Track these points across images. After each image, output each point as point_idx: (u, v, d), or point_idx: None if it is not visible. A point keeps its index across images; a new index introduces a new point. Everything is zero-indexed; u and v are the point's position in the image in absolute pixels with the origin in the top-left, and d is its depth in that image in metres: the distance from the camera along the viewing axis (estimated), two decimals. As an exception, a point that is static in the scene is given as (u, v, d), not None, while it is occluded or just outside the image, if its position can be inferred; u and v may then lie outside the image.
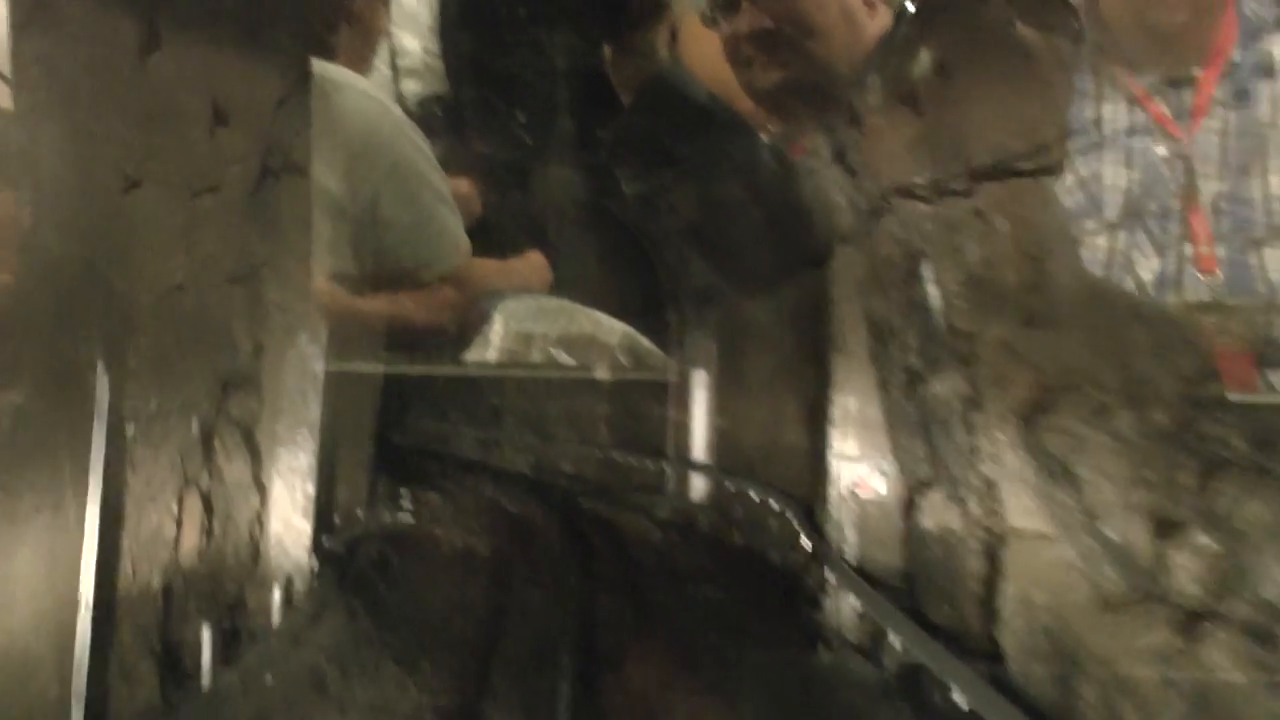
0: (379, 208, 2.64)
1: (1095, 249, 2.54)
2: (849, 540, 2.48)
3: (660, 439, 3.56)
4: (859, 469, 2.49)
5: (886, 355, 2.21)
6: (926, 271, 2.07)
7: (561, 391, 3.49)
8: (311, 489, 2.57)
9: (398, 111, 2.77)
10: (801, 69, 2.49)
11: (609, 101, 3.09)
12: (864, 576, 2.38)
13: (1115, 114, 2.60)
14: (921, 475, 2.19)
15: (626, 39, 3.20)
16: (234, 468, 2.04)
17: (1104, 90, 2.67)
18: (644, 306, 3.29)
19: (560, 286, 2.70)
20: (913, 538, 2.22)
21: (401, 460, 3.59)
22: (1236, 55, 2.52)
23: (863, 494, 2.45)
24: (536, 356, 2.42)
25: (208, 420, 1.89)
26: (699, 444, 3.47)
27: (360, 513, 3.18)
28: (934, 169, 1.98)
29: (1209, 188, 2.54)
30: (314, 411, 2.50)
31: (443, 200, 2.80)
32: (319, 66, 2.26)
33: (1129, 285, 2.52)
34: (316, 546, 2.65)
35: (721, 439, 3.33)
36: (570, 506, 3.63)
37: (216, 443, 1.94)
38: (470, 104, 3.40)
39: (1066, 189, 2.37)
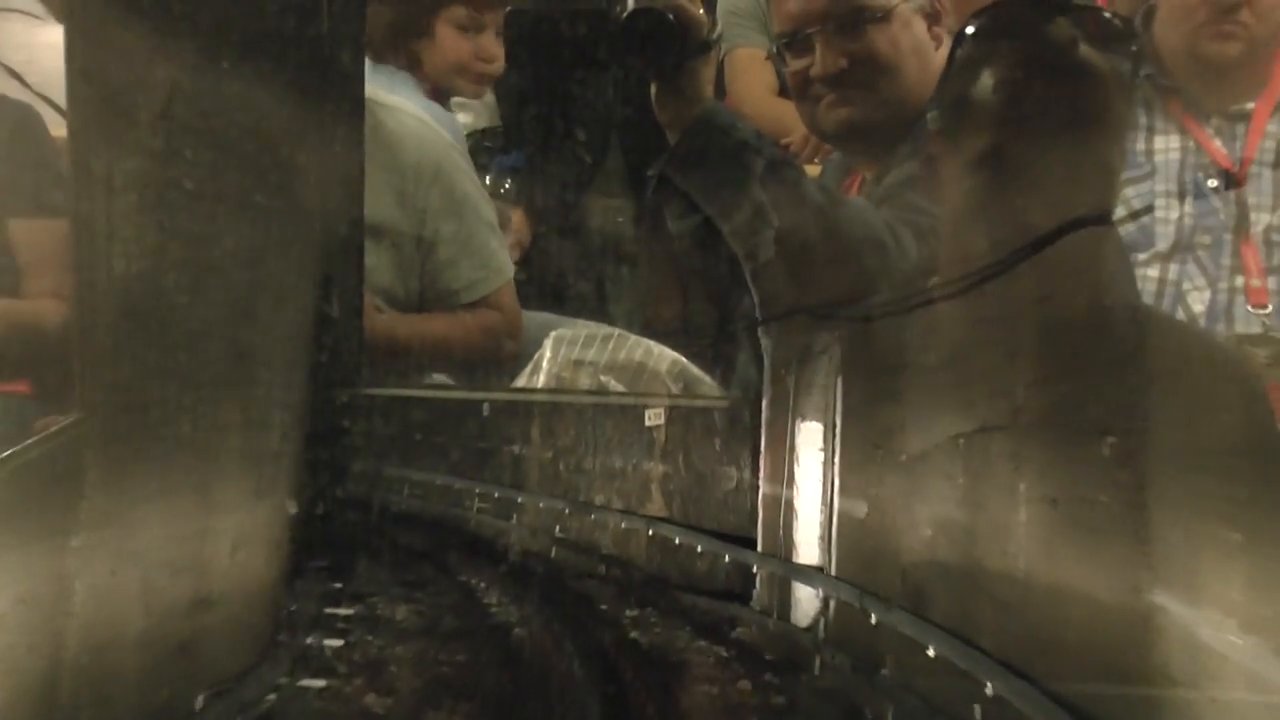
0: (425, 227, 2.66)
1: (1146, 280, 2.54)
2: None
3: (741, 517, 2.40)
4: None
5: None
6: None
7: (603, 440, 2.56)
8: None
9: (444, 133, 2.79)
10: (872, 107, 2.48)
11: (656, 139, 3.10)
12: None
13: (1167, 145, 2.61)
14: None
15: (672, 77, 3.21)
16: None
17: (1155, 122, 2.68)
18: (699, 334, 3.07)
19: (611, 317, 2.72)
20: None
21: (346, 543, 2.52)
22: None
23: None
24: (586, 383, 2.43)
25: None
26: (809, 532, 2.19)
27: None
28: (994, 208, 1.96)
29: (1261, 219, 2.54)
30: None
31: (487, 222, 2.83)
32: (369, 89, 2.28)
33: (1180, 316, 2.51)
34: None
35: (854, 532, 2.09)
36: (600, 624, 2.34)
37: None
38: (521, 138, 3.43)
39: (1119, 220, 2.37)
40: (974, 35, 2.20)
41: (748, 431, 2.38)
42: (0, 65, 2.87)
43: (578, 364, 2.46)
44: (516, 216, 3.29)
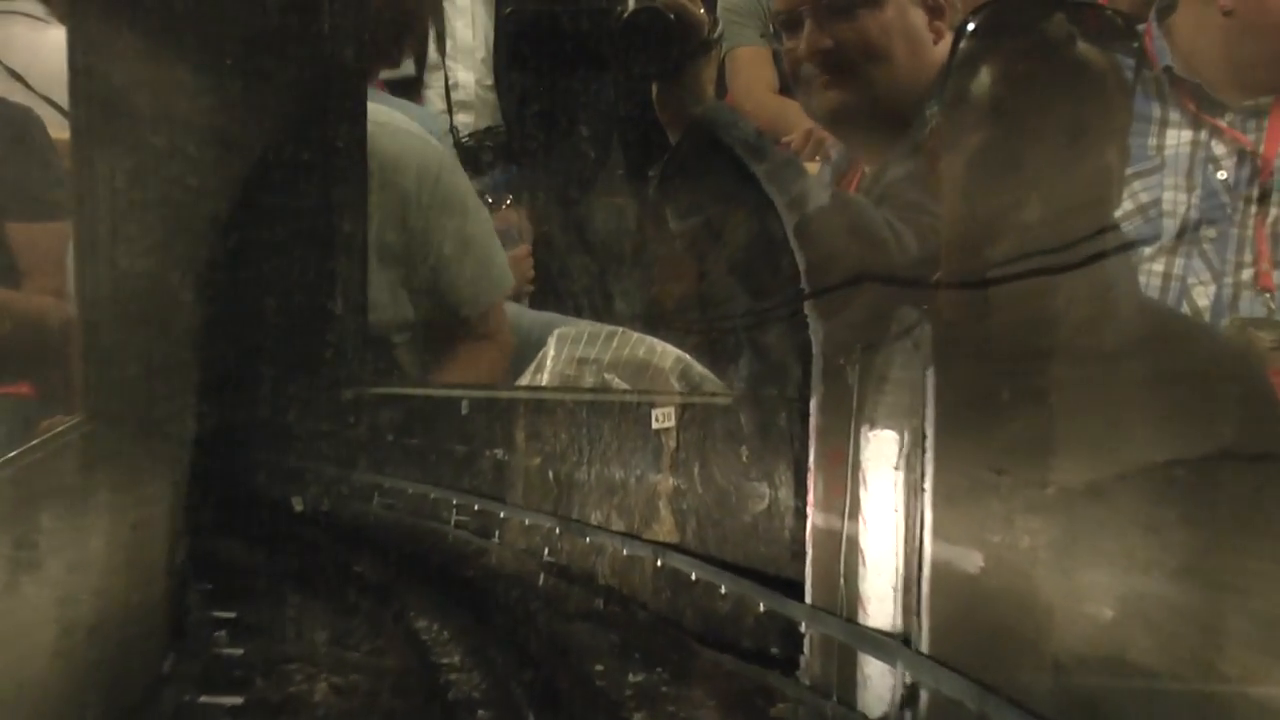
0: (427, 245, 2.65)
1: (1151, 274, 2.54)
2: None
3: (776, 548, 1.86)
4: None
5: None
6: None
7: (600, 445, 2.11)
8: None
9: (435, 143, 2.78)
10: (859, 91, 2.49)
11: (657, 138, 3.10)
12: None
13: (1178, 139, 2.61)
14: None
15: (673, 76, 3.21)
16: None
17: (1168, 115, 2.68)
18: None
19: (614, 315, 2.70)
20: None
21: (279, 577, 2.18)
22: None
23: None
24: (590, 381, 2.41)
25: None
26: (883, 584, 1.64)
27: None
28: (991, 203, 1.96)
29: (1271, 212, 2.54)
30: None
31: (485, 232, 2.82)
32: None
33: (1185, 310, 2.51)
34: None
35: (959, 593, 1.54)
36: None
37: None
38: (522, 137, 3.42)
39: (1125, 214, 2.37)
40: (974, 31, 2.21)
41: (785, 439, 1.83)
42: (2, 67, 2.88)
43: (581, 362, 2.44)
44: (515, 216, 3.28)
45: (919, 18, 2.52)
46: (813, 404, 1.74)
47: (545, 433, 2.13)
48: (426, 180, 2.61)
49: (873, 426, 1.65)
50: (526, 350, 2.67)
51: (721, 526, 1.90)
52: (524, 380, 2.50)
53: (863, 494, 1.64)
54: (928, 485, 1.51)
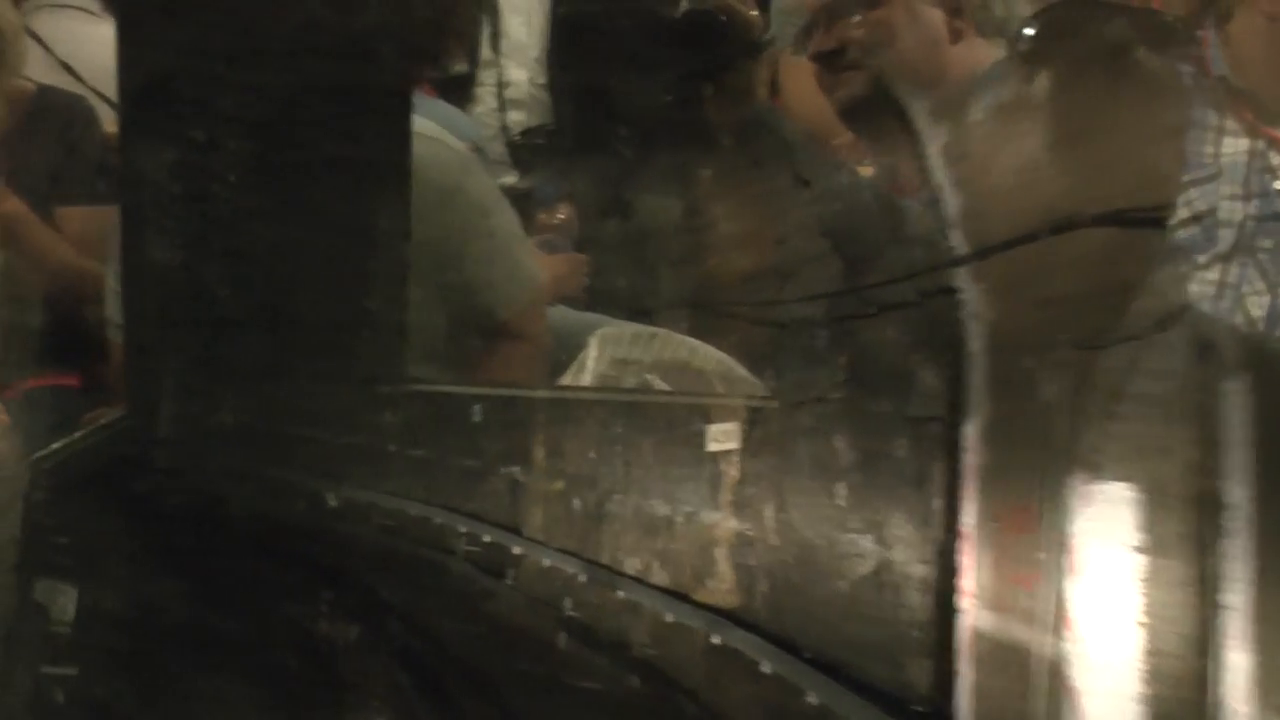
0: (452, 252, 2.63)
1: (1205, 283, 2.51)
2: None
3: (885, 634, 1.32)
4: None
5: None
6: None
7: (643, 471, 1.60)
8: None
9: (458, 146, 2.77)
10: (863, 87, 2.52)
11: (708, 138, 3.09)
12: None
13: (1235, 147, 2.58)
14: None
15: (724, 77, 3.20)
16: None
17: (1225, 123, 2.64)
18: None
19: (657, 316, 2.69)
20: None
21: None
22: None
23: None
24: (631, 383, 2.38)
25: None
26: None
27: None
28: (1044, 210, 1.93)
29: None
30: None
31: (513, 233, 2.80)
32: None
33: (1238, 320, 2.48)
34: None
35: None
36: None
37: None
38: (574, 136, 3.42)
39: (1180, 221, 2.35)
40: (1031, 34, 2.19)
41: (909, 476, 1.31)
42: (54, 58, 2.91)
43: (622, 362, 2.42)
44: (565, 212, 3.27)
45: (934, 15, 2.54)
46: (970, 429, 1.21)
47: (571, 448, 1.64)
48: (447, 183, 2.59)
49: (1098, 474, 1.09)
50: (569, 352, 2.66)
51: (804, 595, 1.39)
52: (565, 381, 2.49)
53: (1075, 590, 1.10)
54: (1230, 590, 0.98)
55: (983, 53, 2.56)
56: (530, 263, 2.83)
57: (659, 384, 2.33)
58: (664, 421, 1.56)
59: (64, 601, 1.90)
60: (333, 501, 1.77)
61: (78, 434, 1.98)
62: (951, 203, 2.33)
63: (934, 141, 2.15)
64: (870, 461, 1.33)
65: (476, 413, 1.73)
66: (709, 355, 2.44)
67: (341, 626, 1.85)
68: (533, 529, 1.66)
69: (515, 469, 1.68)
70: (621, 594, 1.55)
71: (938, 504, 1.24)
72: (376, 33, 1.77)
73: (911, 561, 1.27)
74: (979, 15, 2.52)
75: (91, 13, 3.06)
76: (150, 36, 1.77)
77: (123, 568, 1.88)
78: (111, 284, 2.42)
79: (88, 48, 2.89)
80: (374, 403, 1.71)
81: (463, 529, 1.71)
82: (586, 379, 2.43)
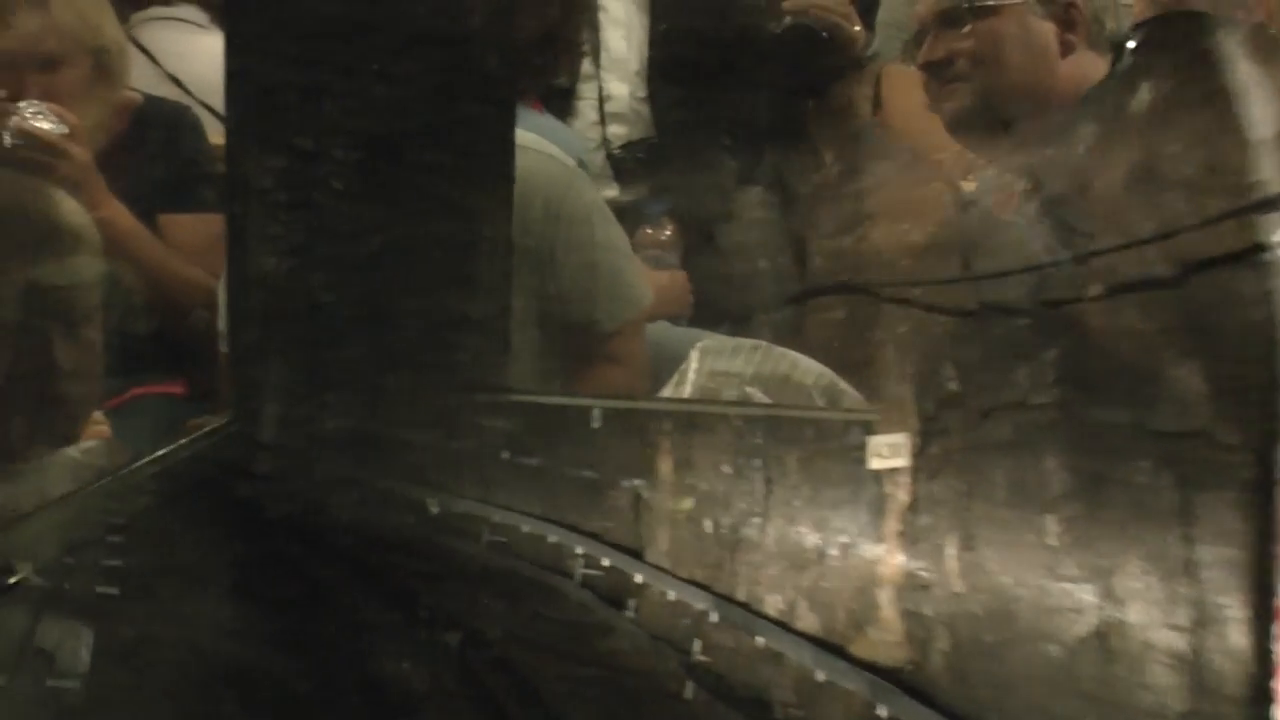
0: (553, 264, 2.62)
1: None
2: None
3: None
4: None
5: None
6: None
7: (787, 490, 1.36)
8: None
9: (561, 158, 2.76)
10: (971, 98, 2.51)
11: (811, 153, 3.07)
12: None
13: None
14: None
15: (826, 93, 3.18)
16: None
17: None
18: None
19: (759, 330, 2.67)
20: None
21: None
22: None
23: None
24: (731, 395, 2.37)
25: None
26: None
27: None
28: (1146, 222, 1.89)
29: None
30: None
31: (616, 248, 2.78)
32: None
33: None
34: None
35: None
36: None
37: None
38: (675, 151, 3.41)
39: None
40: (1134, 48, 2.16)
41: (1140, 508, 1.05)
42: (161, 71, 2.94)
43: (722, 375, 2.40)
44: (668, 230, 3.27)
45: (1045, 29, 2.53)
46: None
47: (702, 461, 1.44)
48: (553, 195, 2.59)
49: None
50: (669, 367, 2.64)
51: (999, 660, 1.11)
52: (666, 393, 2.48)
53: None
54: None
55: (1092, 66, 2.53)
56: (636, 280, 2.82)
57: (759, 397, 2.31)
58: (813, 432, 1.34)
59: (74, 646, 1.70)
60: (435, 509, 1.69)
61: (181, 440, 2.00)
62: (1057, 218, 2.29)
63: (1041, 155, 2.13)
64: (1094, 489, 1.07)
65: (596, 417, 1.57)
66: (810, 369, 2.42)
67: (433, 647, 1.67)
68: (657, 553, 1.45)
69: (638, 483, 1.48)
70: (761, 640, 1.31)
71: (1207, 552, 0.96)
72: (484, 43, 1.78)
73: (1154, 625, 0.98)
74: (1090, 29, 2.50)
75: (198, 25, 3.10)
76: (259, 46, 1.78)
77: (220, 576, 1.90)
78: (223, 297, 2.45)
79: (193, 59, 2.92)
80: (479, 410, 1.70)
81: (579, 549, 1.51)
82: (687, 391, 2.42)
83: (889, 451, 1.23)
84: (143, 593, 1.84)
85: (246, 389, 1.87)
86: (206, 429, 2.00)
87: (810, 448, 1.32)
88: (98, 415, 2.29)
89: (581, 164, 3.05)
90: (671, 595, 1.41)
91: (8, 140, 2.50)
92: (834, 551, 1.26)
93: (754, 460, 1.37)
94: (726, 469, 1.40)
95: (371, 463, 1.74)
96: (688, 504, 1.44)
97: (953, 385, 1.22)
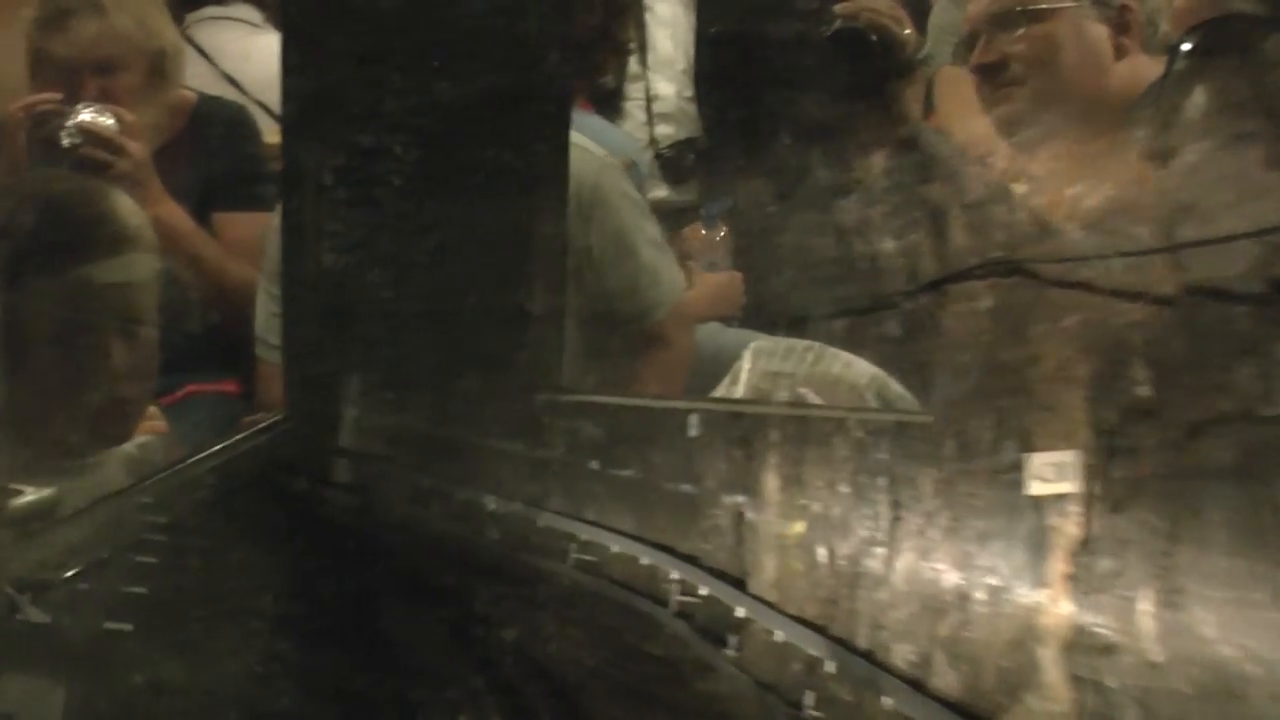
0: (590, 260, 2.62)
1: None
2: None
3: None
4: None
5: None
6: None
7: (919, 516, 1.10)
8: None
9: (599, 152, 2.76)
10: (1026, 102, 2.49)
11: (860, 155, 3.06)
12: None
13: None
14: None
15: (876, 96, 3.17)
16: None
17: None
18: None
19: (810, 331, 2.66)
20: None
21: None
22: None
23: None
24: (783, 396, 2.36)
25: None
26: None
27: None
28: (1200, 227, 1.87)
29: None
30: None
31: (652, 241, 2.79)
32: None
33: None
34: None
35: None
36: None
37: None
38: (722, 152, 3.41)
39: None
40: (1189, 51, 2.15)
41: None
42: (217, 70, 2.96)
43: (775, 375, 2.40)
44: (723, 232, 3.26)
45: (1100, 32, 2.51)
46: None
47: (814, 478, 1.23)
48: (585, 186, 2.59)
49: None
50: (722, 368, 2.64)
51: None
52: (719, 393, 2.47)
53: None
54: None
55: (1146, 70, 2.52)
56: (672, 270, 2.83)
57: (811, 398, 2.29)
58: (955, 447, 1.07)
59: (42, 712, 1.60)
60: (492, 507, 1.61)
61: (235, 437, 2.01)
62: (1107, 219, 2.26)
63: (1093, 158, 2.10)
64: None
65: (694, 424, 1.39)
66: (862, 370, 2.41)
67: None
68: (762, 584, 1.26)
69: (740, 499, 1.29)
70: (889, 701, 1.07)
71: None
72: (541, 42, 1.78)
73: None
74: (1145, 32, 2.48)
75: (253, 24, 3.12)
76: (318, 42, 1.79)
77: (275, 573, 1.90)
78: (262, 298, 2.46)
79: (248, 59, 2.94)
80: (542, 410, 1.69)
81: (675, 574, 1.34)
82: (739, 392, 2.42)
83: (1053, 474, 0.98)
84: (196, 590, 1.86)
85: (302, 386, 1.88)
86: (261, 424, 2.02)
87: (950, 466, 1.06)
88: (153, 410, 2.30)
89: (634, 165, 3.06)
90: (779, 635, 1.21)
91: (66, 141, 2.52)
92: (980, 595, 1.01)
93: (878, 479, 1.14)
94: (844, 488, 1.19)
95: (437, 466, 1.73)
96: (798, 528, 1.24)
97: (1143, 390, 0.97)
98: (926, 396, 1.23)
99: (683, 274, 2.91)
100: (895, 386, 2.45)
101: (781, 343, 2.48)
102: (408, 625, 1.70)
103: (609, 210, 2.66)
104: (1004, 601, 0.99)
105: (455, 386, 1.74)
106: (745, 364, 2.43)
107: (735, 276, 3.20)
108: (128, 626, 1.72)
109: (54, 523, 1.85)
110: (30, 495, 1.88)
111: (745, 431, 1.31)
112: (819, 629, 1.17)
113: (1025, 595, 0.98)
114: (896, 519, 1.11)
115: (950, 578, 1.04)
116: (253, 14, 3.13)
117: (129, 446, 2.18)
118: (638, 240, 2.72)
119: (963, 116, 3.57)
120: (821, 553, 1.19)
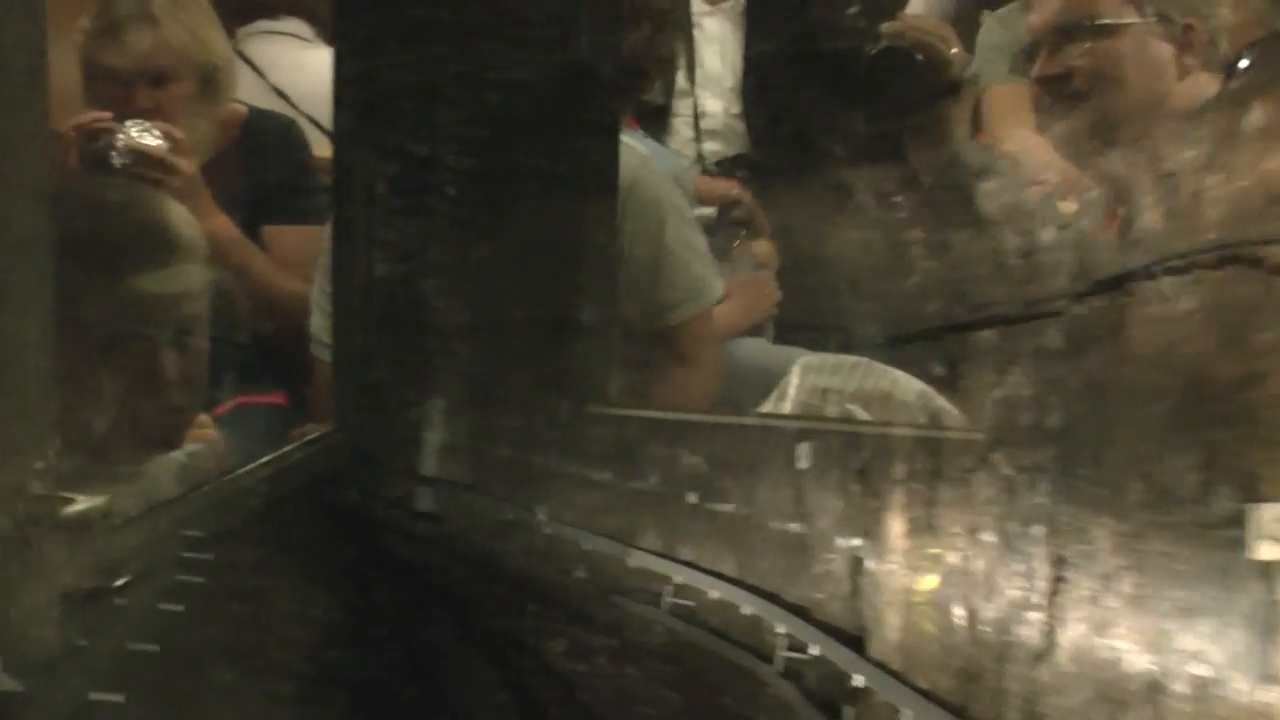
0: (630, 253, 2.61)
1: None
2: None
3: None
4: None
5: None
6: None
7: (1088, 576, 0.86)
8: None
9: (639, 148, 2.75)
10: (1088, 117, 2.48)
11: (907, 174, 3.05)
12: None
13: None
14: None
15: (922, 114, 3.16)
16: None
17: None
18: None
19: (855, 347, 2.65)
20: None
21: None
22: None
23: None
24: (832, 412, 2.35)
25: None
26: None
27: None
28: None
29: None
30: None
31: (686, 244, 2.76)
32: None
33: None
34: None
35: None
36: None
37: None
38: (770, 168, 3.41)
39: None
40: (1246, 68, 2.14)
41: None
42: (268, 84, 2.98)
43: (824, 391, 2.39)
44: (765, 248, 3.25)
45: (1163, 50, 2.49)
46: None
47: (950, 521, 1.04)
48: (623, 181, 2.58)
49: None
50: (769, 383, 2.63)
51: None
52: (766, 409, 2.46)
53: None
54: None
55: (1206, 89, 2.50)
56: (706, 274, 2.80)
57: (860, 414, 2.28)
58: (1144, 490, 0.85)
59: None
60: (546, 529, 1.52)
61: (285, 449, 2.01)
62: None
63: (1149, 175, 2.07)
64: None
65: (804, 455, 1.22)
66: (911, 386, 2.39)
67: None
68: (884, 646, 1.07)
69: (857, 544, 1.11)
70: None
71: None
72: (595, 52, 1.79)
73: None
74: (1207, 52, 2.47)
75: (304, 39, 3.13)
76: (371, 52, 1.80)
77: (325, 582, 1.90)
78: (318, 300, 2.46)
79: (299, 73, 2.96)
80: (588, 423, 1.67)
81: (781, 627, 1.17)
82: (787, 407, 2.41)
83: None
84: (249, 595, 1.86)
85: (351, 396, 1.88)
86: (312, 435, 2.02)
87: (1138, 517, 0.85)
88: (204, 419, 2.31)
89: (679, 180, 3.05)
90: (908, 715, 0.99)
91: (117, 161, 2.54)
92: (1180, 687, 0.79)
93: (1033, 527, 0.93)
94: (988, 536, 0.99)
95: (516, 493, 1.65)
96: (930, 582, 1.04)
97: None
98: (1099, 425, 0.98)
99: (720, 285, 2.87)
100: (941, 401, 2.43)
101: (829, 358, 2.47)
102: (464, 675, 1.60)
103: (643, 206, 2.65)
104: (1215, 698, 0.77)
105: (507, 398, 1.73)
106: (794, 379, 2.42)
107: (762, 275, 3.17)
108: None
109: (106, 530, 1.85)
110: (82, 503, 1.88)
111: (865, 462, 1.15)
112: (955, 710, 0.98)
113: (1245, 692, 0.76)
114: (1060, 579, 0.92)
115: (1137, 661, 0.83)
116: (304, 29, 3.15)
117: (179, 454, 2.19)
118: (672, 240, 2.70)
119: (1017, 132, 3.57)
120: (958, 614, 1.00)
